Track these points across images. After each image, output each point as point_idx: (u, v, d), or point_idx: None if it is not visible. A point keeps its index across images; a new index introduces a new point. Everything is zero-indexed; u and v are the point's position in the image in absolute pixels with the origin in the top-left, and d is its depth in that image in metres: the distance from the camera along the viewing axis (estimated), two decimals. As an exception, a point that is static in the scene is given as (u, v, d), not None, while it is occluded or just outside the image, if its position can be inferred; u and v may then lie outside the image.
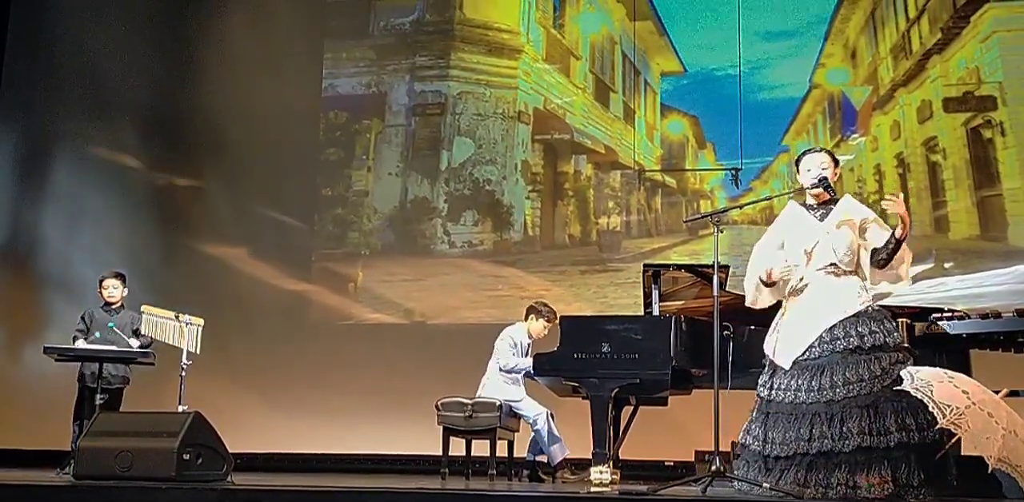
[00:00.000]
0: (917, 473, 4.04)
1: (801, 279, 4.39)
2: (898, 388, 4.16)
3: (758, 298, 4.53)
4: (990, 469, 4.12)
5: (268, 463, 8.02)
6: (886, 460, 4.05)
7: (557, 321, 6.54)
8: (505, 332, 6.58)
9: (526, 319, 6.63)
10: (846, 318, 4.26)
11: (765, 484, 4.13)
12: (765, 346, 4.46)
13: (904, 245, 4.32)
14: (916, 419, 4.09)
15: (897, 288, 4.44)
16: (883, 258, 4.33)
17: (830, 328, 4.25)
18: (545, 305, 6.69)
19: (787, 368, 4.29)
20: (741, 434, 4.37)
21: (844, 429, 4.08)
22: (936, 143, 8.26)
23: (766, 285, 4.45)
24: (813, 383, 4.20)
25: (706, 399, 4.65)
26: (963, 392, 4.14)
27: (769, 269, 4.38)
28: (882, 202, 4.26)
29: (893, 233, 4.29)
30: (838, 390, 4.15)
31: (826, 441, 4.10)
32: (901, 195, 4.31)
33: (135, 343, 6.50)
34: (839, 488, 4.05)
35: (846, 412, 4.11)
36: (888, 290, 4.44)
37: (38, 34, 9.68)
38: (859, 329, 4.24)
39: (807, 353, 4.26)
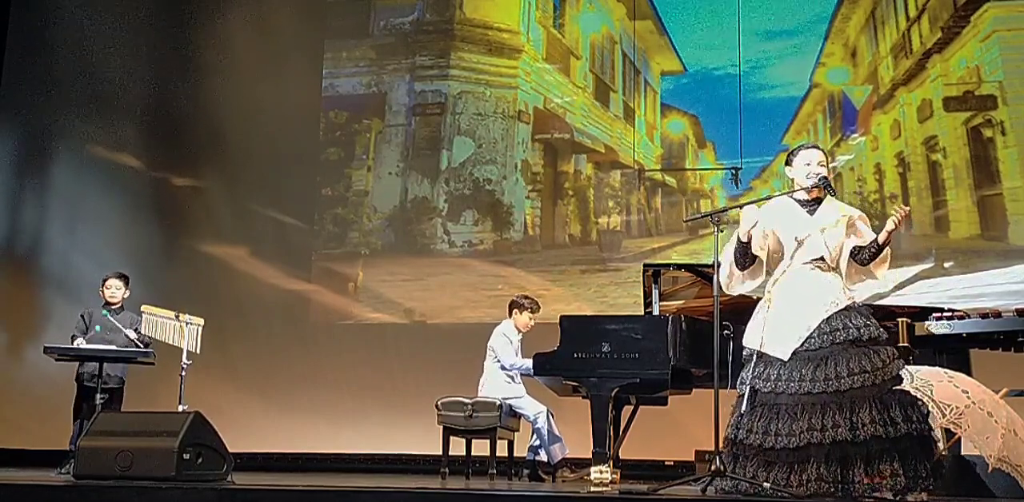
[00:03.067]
0: (924, 463, 4.04)
1: (784, 272, 4.39)
2: (898, 387, 4.15)
3: (732, 281, 4.54)
4: (990, 469, 4.12)
5: (268, 463, 8.02)
6: (896, 451, 4.04)
7: (539, 311, 6.58)
8: (497, 331, 6.58)
9: (510, 315, 6.63)
10: (840, 310, 4.26)
11: (766, 484, 4.11)
12: (747, 339, 4.42)
13: (887, 249, 4.34)
14: (918, 411, 4.09)
15: (873, 286, 4.47)
16: (865, 258, 4.37)
17: (828, 319, 4.25)
18: (527, 297, 6.71)
19: (785, 359, 4.27)
20: (730, 430, 4.31)
21: (855, 419, 4.07)
22: (936, 142, 8.26)
23: (740, 247, 4.44)
24: (818, 373, 4.17)
25: (706, 399, 4.64)
26: (963, 392, 4.14)
27: (746, 229, 4.40)
28: (894, 211, 4.25)
29: (876, 238, 4.31)
30: (843, 380, 4.13)
31: (840, 430, 4.06)
32: (908, 209, 4.30)
33: (132, 334, 6.49)
34: (858, 485, 4.03)
35: (856, 403, 4.10)
36: (864, 287, 4.47)
37: (38, 34, 9.68)
38: (854, 321, 4.23)
39: (806, 344, 4.24)
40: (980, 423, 4.04)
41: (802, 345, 4.25)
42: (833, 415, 4.10)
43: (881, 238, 4.28)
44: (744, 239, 4.42)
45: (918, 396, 4.09)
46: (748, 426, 4.27)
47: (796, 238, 4.37)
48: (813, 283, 4.33)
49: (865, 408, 4.08)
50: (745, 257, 4.48)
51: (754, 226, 4.39)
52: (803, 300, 4.31)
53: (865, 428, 4.04)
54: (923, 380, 4.18)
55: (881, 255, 4.36)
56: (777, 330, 4.33)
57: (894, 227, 4.24)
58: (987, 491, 4.41)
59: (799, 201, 4.48)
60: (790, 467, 4.14)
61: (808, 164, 4.46)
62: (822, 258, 4.36)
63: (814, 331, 4.25)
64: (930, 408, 4.07)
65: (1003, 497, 4.35)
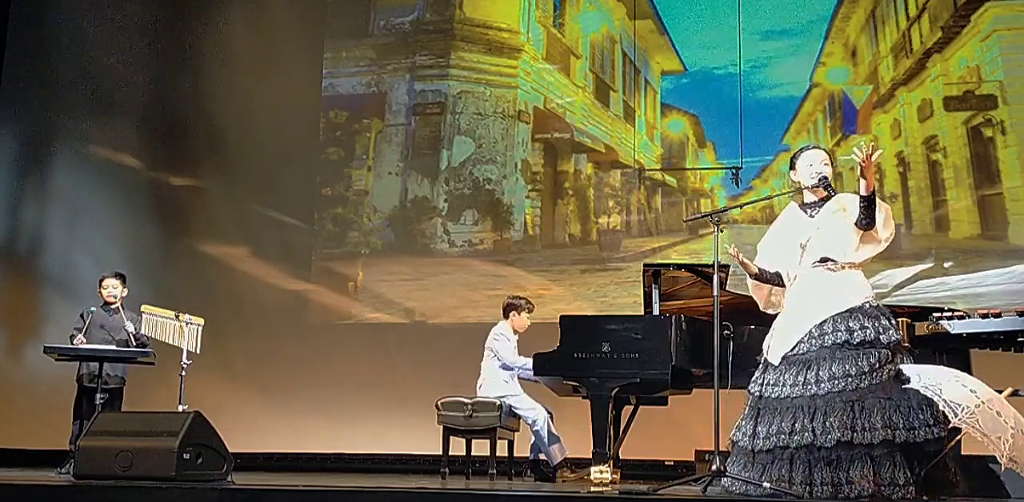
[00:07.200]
0: (903, 471, 4.00)
1: (796, 277, 4.39)
2: (907, 386, 4.13)
3: (769, 300, 4.55)
4: (1003, 468, 4.11)
5: (268, 463, 8.03)
6: (869, 457, 4.02)
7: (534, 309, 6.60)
8: (496, 331, 6.57)
9: (506, 317, 6.61)
10: (838, 313, 4.24)
11: (766, 484, 4.12)
12: (764, 344, 4.46)
13: (879, 201, 4.24)
14: (905, 418, 4.05)
15: (880, 248, 4.38)
16: (864, 220, 4.26)
17: (820, 323, 4.24)
18: (520, 298, 6.69)
19: (776, 363, 4.29)
20: (732, 431, 4.37)
21: (826, 424, 4.06)
22: (936, 142, 8.26)
23: (757, 279, 4.47)
24: (799, 377, 4.19)
25: (706, 399, 4.65)
26: (971, 391, 4.12)
27: (740, 262, 4.41)
28: (852, 155, 4.14)
29: (859, 193, 4.20)
30: (823, 384, 4.13)
31: (807, 434, 4.07)
32: (872, 148, 4.12)
33: (131, 327, 6.47)
34: (823, 487, 4.03)
35: (829, 407, 4.09)
36: (872, 253, 4.37)
37: (38, 34, 9.67)
38: (850, 324, 4.20)
39: (796, 348, 4.26)
40: (991, 423, 4.02)
41: (793, 349, 4.26)
42: (803, 419, 4.11)
43: (862, 189, 4.17)
44: (754, 272, 4.45)
45: (928, 395, 4.07)
46: (743, 429, 4.32)
47: (800, 244, 4.37)
48: (819, 287, 4.32)
49: (837, 413, 4.07)
50: (771, 281, 4.50)
51: (744, 260, 4.40)
52: (805, 304, 4.32)
53: (833, 433, 4.03)
54: (931, 380, 4.16)
55: (879, 214, 4.25)
56: (777, 335, 4.35)
57: (861, 163, 4.07)
58: (995, 492, 4.40)
59: (806, 205, 4.48)
60: (763, 468, 4.17)
61: (811, 165, 4.45)
62: (829, 259, 4.35)
63: (804, 335, 4.25)
64: (941, 407, 4.04)
65: (1014, 498, 4.35)
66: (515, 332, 6.59)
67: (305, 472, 7.71)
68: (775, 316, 4.51)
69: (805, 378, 4.18)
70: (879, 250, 4.39)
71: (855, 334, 4.19)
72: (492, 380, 6.50)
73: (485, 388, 6.50)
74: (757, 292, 4.57)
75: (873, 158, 4.11)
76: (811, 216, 4.42)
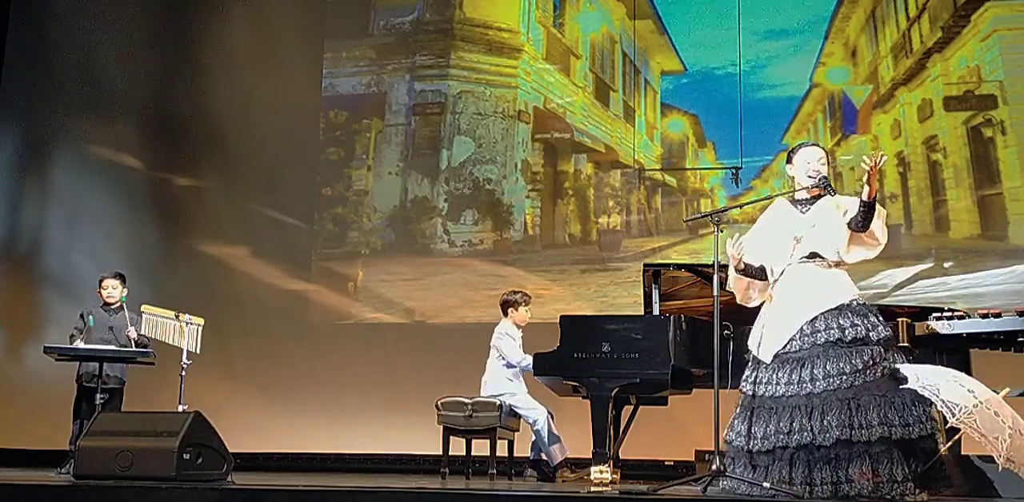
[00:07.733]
0: (900, 467, 4.01)
1: (783, 271, 4.38)
2: (904, 387, 4.13)
3: (747, 294, 4.54)
4: (1000, 469, 4.11)
5: (268, 463, 8.03)
6: (867, 454, 4.03)
7: (531, 301, 6.62)
8: (500, 330, 6.57)
9: (506, 314, 6.60)
10: (827, 310, 4.23)
11: (766, 483, 4.12)
12: (749, 341, 4.44)
13: (878, 206, 4.23)
14: (900, 414, 4.05)
15: (874, 253, 4.38)
16: (859, 223, 4.25)
17: (811, 321, 4.23)
18: (515, 292, 6.68)
19: (768, 362, 4.29)
20: (726, 431, 4.35)
21: (824, 422, 4.05)
22: (937, 142, 8.26)
23: (741, 273, 4.45)
24: (794, 376, 4.19)
25: (706, 399, 4.65)
26: (969, 391, 4.13)
27: (734, 256, 4.38)
28: (862, 162, 4.14)
29: (861, 197, 4.20)
30: (818, 383, 4.13)
31: (806, 434, 4.07)
32: (880, 157, 4.14)
33: (133, 334, 6.47)
34: (823, 486, 4.04)
35: (826, 405, 4.09)
36: (865, 256, 4.36)
37: (38, 34, 9.68)
38: (840, 321, 4.20)
39: (788, 346, 4.25)
40: (989, 422, 4.03)
41: (784, 347, 4.26)
42: (801, 418, 4.10)
43: (865, 195, 4.17)
44: (740, 269, 4.43)
45: (925, 394, 4.07)
46: (736, 429, 4.31)
47: (795, 237, 4.37)
48: (807, 283, 4.32)
49: (835, 411, 4.06)
50: (755, 276, 4.48)
51: (740, 256, 4.38)
52: (795, 301, 4.31)
53: (832, 431, 4.03)
54: (929, 379, 4.16)
55: (876, 220, 4.24)
56: (767, 332, 4.34)
57: (868, 174, 4.08)
58: (991, 491, 4.41)
59: (797, 201, 4.48)
60: (766, 470, 4.17)
61: (808, 162, 4.45)
62: (819, 256, 4.34)
63: (796, 333, 4.24)
64: (938, 407, 4.05)
65: (1009, 497, 4.35)
66: (518, 327, 6.58)
67: (305, 472, 7.71)
68: None
69: (800, 376, 4.17)
70: (871, 255, 4.39)
71: (847, 331, 4.18)
72: (496, 378, 6.50)
73: (489, 386, 6.51)
74: (737, 284, 4.56)
75: (878, 165, 4.13)
76: (803, 212, 4.42)
